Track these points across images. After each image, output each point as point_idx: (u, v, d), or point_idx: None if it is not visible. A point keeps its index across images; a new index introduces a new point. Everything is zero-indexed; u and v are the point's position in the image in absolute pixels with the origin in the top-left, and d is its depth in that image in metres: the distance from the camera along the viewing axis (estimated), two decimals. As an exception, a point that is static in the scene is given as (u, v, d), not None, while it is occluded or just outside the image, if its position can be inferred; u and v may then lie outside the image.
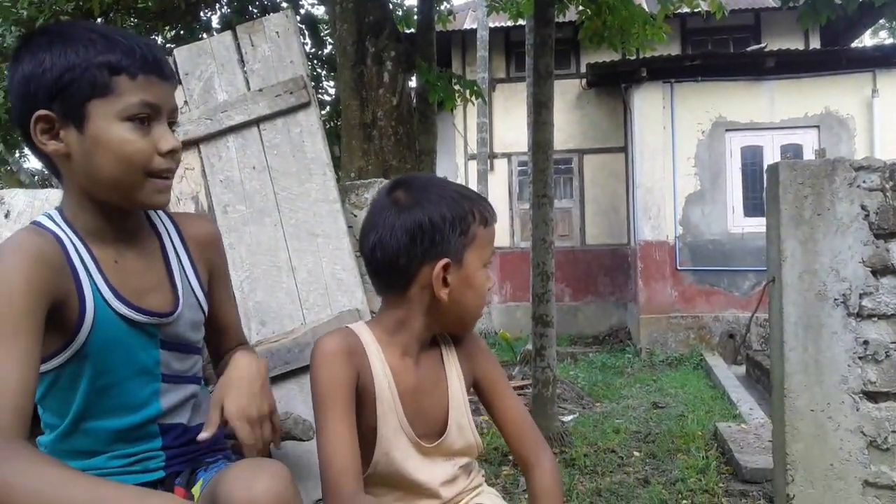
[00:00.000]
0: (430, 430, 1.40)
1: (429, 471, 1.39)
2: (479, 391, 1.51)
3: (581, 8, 6.27)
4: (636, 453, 4.71)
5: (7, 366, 1.10)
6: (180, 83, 2.26)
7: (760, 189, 9.18)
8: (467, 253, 1.34)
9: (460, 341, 1.49)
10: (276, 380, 2.04)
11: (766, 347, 8.27)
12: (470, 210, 1.35)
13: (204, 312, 1.43)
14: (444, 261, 1.32)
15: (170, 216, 1.45)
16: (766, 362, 6.76)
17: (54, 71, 1.18)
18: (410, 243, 1.31)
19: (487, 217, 1.38)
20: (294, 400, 2.12)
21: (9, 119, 7.46)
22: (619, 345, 10.35)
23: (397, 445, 1.36)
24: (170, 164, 1.26)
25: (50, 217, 1.29)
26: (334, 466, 1.27)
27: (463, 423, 1.42)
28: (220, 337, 1.55)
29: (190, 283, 1.40)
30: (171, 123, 1.28)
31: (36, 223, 1.29)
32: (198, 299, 1.41)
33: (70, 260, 1.24)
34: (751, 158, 9.67)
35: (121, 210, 1.29)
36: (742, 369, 8.05)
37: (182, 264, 1.40)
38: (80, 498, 0.99)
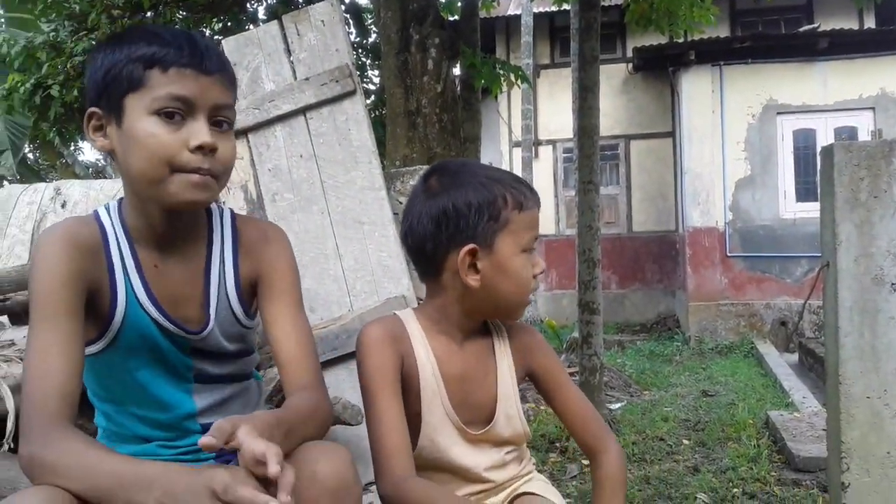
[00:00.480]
0: (476, 417, 1.40)
1: (474, 457, 1.39)
2: (537, 383, 1.50)
3: (627, -10, 6.20)
4: (685, 441, 4.65)
5: (51, 352, 1.13)
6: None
7: (813, 173, 8.98)
8: (499, 238, 1.31)
9: (515, 333, 1.48)
10: (325, 365, 2.07)
11: (820, 335, 8.10)
12: (501, 194, 1.32)
13: (243, 325, 1.38)
14: (469, 246, 1.30)
15: (235, 223, 1.40)
16: (819, 350, 6.62)
17: (102, 69, 1.21)
18: (436, 230, 1.31)
19: (522, 201, 1.33)
20: (343, 384, 2.15)
21: (64, 112, 7.63)
22: (667, 333, 10.22)
23: (442, 431, 1.37)
24: (200, 160, 1.18)
25: (107, 209, 1.31)
26: (386, 449, 1.28)
27: (512, 413, 1.42)
28: (280, 369, 1.35)
29: (228, 296, 1.35)
30: (220, 121, 1.23)
31: (94, 212, 1.32)
32: (234, 313, 1.36)
33: (109, 253, 1.26)
34: (803, 142, 9.43)
35: (160, 210, 1.25)
36: (794, 357, 7.89)
37: (224, 276, 1.35)
38: (108, 479, 1.04)
